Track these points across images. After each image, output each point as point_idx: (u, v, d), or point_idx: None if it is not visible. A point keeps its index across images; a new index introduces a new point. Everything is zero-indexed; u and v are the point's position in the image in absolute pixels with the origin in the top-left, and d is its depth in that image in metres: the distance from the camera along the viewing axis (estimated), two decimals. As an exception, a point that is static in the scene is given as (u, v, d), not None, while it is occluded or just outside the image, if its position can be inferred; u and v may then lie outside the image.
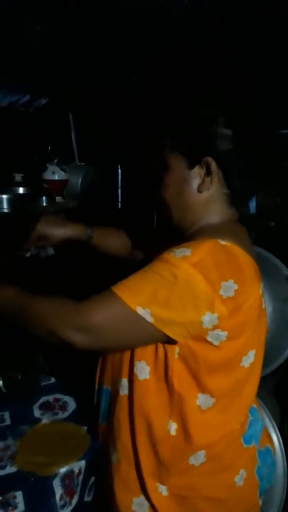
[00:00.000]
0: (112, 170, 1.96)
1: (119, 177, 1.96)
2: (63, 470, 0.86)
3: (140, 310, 0.68)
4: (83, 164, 1.89)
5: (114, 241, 1.12)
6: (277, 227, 1.68)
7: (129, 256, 1.13)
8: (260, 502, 0.84)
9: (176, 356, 0.73)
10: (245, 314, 0.71)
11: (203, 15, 1.19)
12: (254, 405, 0.86)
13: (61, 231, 1.04)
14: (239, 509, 0.80)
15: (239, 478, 0.79)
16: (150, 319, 0.68)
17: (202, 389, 0.75)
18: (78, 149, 1.89)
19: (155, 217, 1.87)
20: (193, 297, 0.67)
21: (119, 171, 1.96)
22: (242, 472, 0.79)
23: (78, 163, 1.89)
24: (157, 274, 0.69)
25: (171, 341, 0.71)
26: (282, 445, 1.35)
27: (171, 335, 0.69)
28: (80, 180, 1.86)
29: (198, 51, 1.30)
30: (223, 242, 0.71)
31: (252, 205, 1.66)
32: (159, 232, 0.98)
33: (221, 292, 0.68)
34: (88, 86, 1.64)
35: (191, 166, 0.77)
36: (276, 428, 1.38)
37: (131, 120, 1.68)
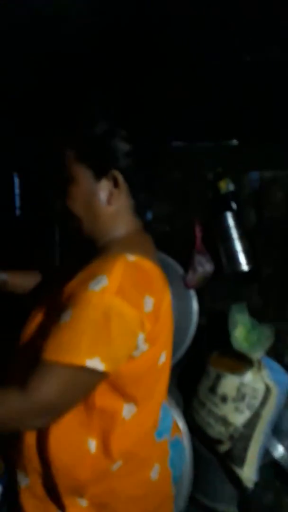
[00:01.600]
0: (7, 177, 1.90)
1: (16, 183, 1.91)
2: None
3: (89, 362, 0.66)
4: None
5: (34, 282, 1.08)
6: (171, 231, 1.82)
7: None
8: (173, 491, 0.90)
9: None
10: (161, 321, 0.76)
11: (98, 25, 1.22)
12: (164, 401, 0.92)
13: None
14: (156, 502, 0.85)
15: (154, 473, 0.83)
16: (101, 366, 0.66)
17: (127, 399, 0.77)
18: None
19: (57, 226, 1.87)
20: (128, 325, 0.69)
21: (16, 177, 1.90)
22: (156, 466, 0.84)
23: None
24: (86, 319, 0.67)
25: None
26: (187, 431, 1.48)
27: (119, 367, 0.70)
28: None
29: (98, 63, 1.34)
30: (132, 258, 0.73)
31: (149, 212, 1.76)
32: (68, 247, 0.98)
33: (145, 309, 0.72)
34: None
35: (98, 178, 0.79)
36: (181, 415, 1.51)
37: (29, 127, 1.65)
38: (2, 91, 1.55)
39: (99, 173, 0.79)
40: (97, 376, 0.69)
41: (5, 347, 0.99)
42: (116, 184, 0.80)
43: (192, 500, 1.48)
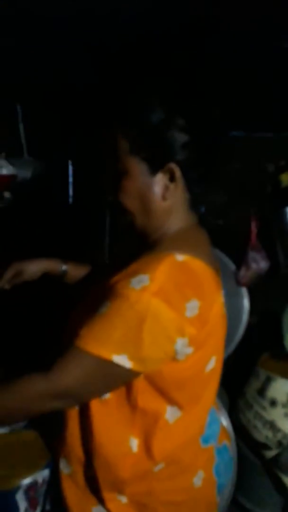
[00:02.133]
0: (62, 165, 1.92)
1: (70, 172, 1.92)
2: (26, 481, 0.85)
3: (116, 358, 0.66)
4: (33, 158, 1.84)
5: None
6: (225, 224, 1.75)
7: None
8: (218, 499, 0.87)
9: (141, 377, 0.72)
10: (210, 324, 0.73)
11: (154, 13, 1.18)
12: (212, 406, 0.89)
13: (35, 266, 1.01)
14: (198, 509, 0.83)
15: (198, 479, 0.81)
16: (128, 363, 0.66)
17: (170, 402, 0.75)
18: (27, 143, 1.82)
19: (108, 214, 1.87)
20: (163, 328, 0.67)
21: (70, 166, 1.92)
22: (200, 472, 0.82)
23: (27, 157, 1.84)
24: (121, 315, 0.66)
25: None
26: (233, 432, 1.44)
27: (149, 370, 0.69)
28: (29, 175, 1.81)
29: (153, 50, 1.30)
30: (180, 258, 0.70)
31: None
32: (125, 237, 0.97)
33: (187, 314, 0.68)
34: (38, 79, 1.58)
35: (153, 172, 0.75)
36: (227, 414, 1.47)
37: (84, 116, 1.65)
38: (58, 79, 1.56)
39: (155, 167, 0.75)
40: (124, 372, 0.68)
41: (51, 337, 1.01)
42: (172, 178, 0.75)
43: (234, 501, 1.44)
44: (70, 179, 1.93)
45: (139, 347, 0.66)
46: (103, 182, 0.85)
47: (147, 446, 0.76)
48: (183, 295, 0.69)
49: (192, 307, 0.69)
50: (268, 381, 1.45)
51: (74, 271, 1.06)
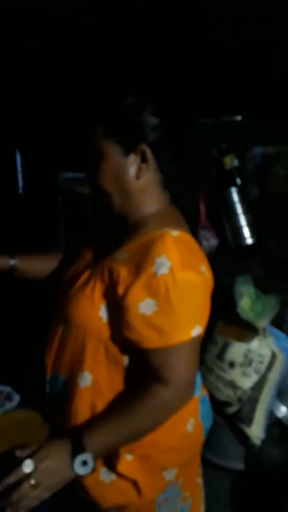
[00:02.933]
0: (9, 154, 1.89)
1: (18, 161, 1.90)
2: (27, 458, 0.87)
3: (193, 332, 0.76)
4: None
5: (44, 266, 1.05)
6: (176, 207, 1.85)
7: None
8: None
9: None
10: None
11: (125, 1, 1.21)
12: None
13: None
14: (192, 452, 0.92)
15: (190, 425, 0.90)
16: (200, 330, 0.78)
17: None
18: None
19: (60, 201, 1.88)
20: (201, 292, 0.79)
21: (18, 155, 1.89)
22: (191, 419, 0.90)
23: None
24: (173, 302, 0.74)
25: None
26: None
27: None
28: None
29: (123, 39, 1.32)
30: (175, 234, 0.78)
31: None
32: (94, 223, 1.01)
33: (206, 275, 0.80)
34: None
35: (126, 153, 0.81)
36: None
37: (35, 104, 1.64)
38: (6, 69, 1.53)
39: (128, 148, 0.81)
40: (200, 338, 0.80)
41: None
42: (144, 158, 0.81)
43: (202, 458, 1.57)
44: (19, 168, 1.90)
45: (201, 312, 0.78)
46: (84, 167, 0.88)
47: None
48: (196, 262, 0.79)
49: (204, 271, 0.80)
50: (225, 345, 1.59)
51: (25, 264, 1.01)
